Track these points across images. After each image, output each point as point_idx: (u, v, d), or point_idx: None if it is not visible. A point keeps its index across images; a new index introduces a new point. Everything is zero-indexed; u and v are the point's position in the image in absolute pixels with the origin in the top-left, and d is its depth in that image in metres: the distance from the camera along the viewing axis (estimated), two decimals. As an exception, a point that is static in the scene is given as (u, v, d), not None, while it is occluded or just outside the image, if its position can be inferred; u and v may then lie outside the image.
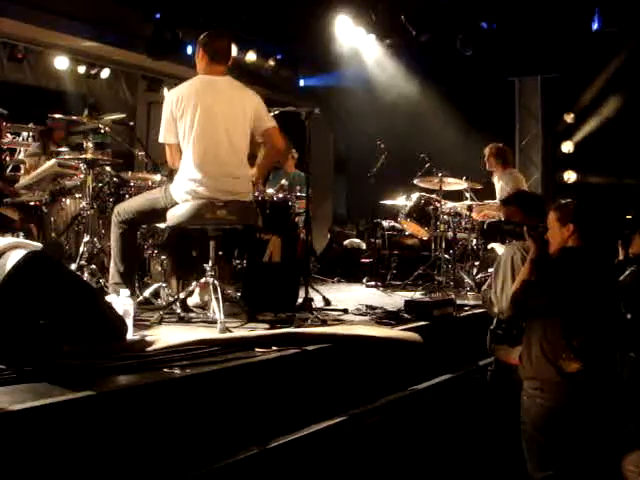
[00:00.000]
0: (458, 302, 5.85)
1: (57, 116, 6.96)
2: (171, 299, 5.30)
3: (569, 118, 12.36)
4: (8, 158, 8.03)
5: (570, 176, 12.47)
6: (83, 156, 5.82)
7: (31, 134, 8.61)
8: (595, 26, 10.14)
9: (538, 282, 3.99)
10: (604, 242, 4.14)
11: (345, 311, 5.78)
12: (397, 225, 8.86)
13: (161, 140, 5.02)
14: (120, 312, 3.96)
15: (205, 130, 4.87)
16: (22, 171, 7.76)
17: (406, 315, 5.44)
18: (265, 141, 5.16)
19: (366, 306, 5.89)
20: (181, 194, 4.88)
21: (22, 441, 2.62)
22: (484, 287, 5.16)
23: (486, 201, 8.58)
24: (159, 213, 5.05)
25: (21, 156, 8.10)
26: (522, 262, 4.64)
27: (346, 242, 10.43)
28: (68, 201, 6.60)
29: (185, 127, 4.88)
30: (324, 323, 5.04)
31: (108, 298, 4.15)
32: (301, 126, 5.86)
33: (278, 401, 3.79)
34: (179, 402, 3.29)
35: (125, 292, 4.25)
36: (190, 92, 4.95)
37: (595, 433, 3.85)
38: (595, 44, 10.59)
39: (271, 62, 11.91)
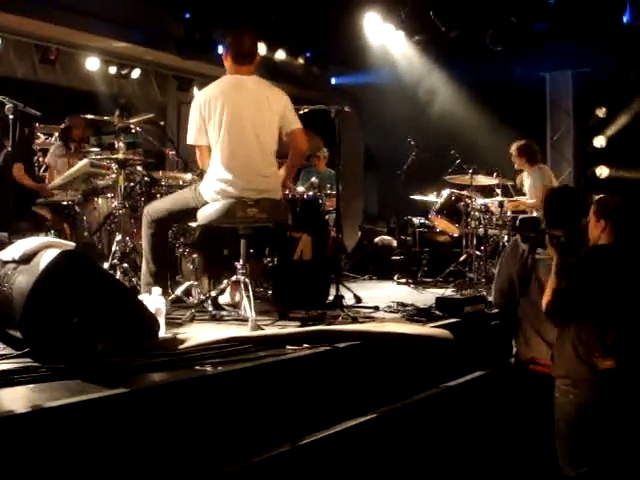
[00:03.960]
0: (489, 299, 5.82)
1: (79, 116, 7.03)
2: (202, 297, 5.32)
3: (601, 112, 12.23)
4: (41, 159, 8.12)
5: (603, 171, 12.33)
6: (115, 156, 5.88)
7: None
8: (626, 19, 10.03)
9: (568, 288, 3.97)
10: (638, 239, 4.08)
11: (376, 308, 5.77)
12: (428, 222, 8.82)
13: (190, 142, 5.05)
14: (152, 310, 3.99)
15: (233, 130, 4.89)
16: (42, 172, 7.82)
17: (437, 312, 5.43)
18: (289, 142, 5.17)
19: (397, 303, 5.87)
20: (211, 193, 4.91)
21: (58, 438, 2.65)
22: None
23: (517, 197, 8.54)
24: (189, 213, 5.08)
25: (47, 158, 8.16)
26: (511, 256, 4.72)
27: (377, 239, 10.40)
28: (100, 201, 6.65)
29: (213, 127, 4.91)
30: (355, 320, 5.04)
31: (140, 298, 4.18)
32: (331, 124, 5.86)
33: (309, 398, 3.80)
34: (212, 399, 3.31)
35: (157, 290, 4.28)
36: (217, 93, 4.98)
37: (628, 430, 3.82)
38: (626, 37, 10.47)
39: (300, 60, 11.92)
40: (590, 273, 3.95)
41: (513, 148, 8.54)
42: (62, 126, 8.10)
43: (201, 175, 5.34)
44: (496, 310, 5.60)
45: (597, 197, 4.18)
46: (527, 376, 4.89)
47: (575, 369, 3.90)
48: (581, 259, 4.03)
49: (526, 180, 8.53)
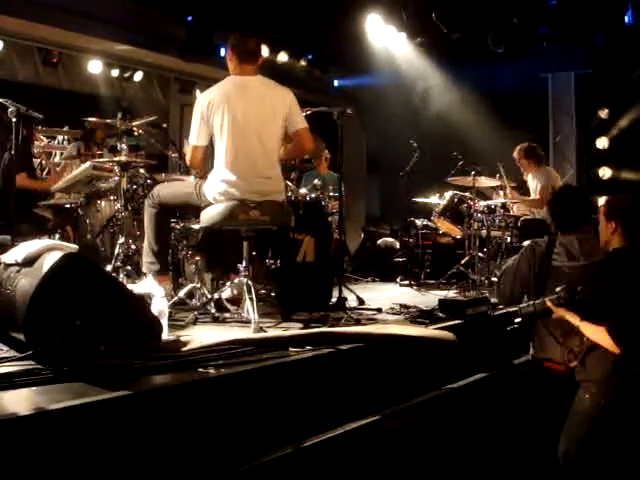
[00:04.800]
0: (492, 300, 5.81)
1: (92, 119, 7.04)
2: (205, 300, 5.33)
3: (603, 114, 12.21)
4: (44, 161, 8.12)
5: (605, 172, 12.31)
6: (117, 158, 5.88)
7: (66, 137, 8.69)
8: (628, 20, 10.03)
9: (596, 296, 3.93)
10: None
11: (379, 310, 5.77)
12: (430, 224, 8.81)
13: (192, 142, 5.05)
14: (155, 313, 4.00)
15: (236, 131, 4.89)
16: (52, 173, 7.81)
17: (440, 314, 5.42)
18: (294, 141, 5.17)
19: (400, 305, 5.87)
20: (214, 194, 4.91)
21: (61, 441, 2.65)
22: None
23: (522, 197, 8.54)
24: (191, 207, 5.19)
25: (57, 159, 8.17)
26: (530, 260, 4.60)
27: (379, 241, 10.39)
28: (103, 203, 6.65)
29: (216, 129, 4.92)
30: (358, 322, 5.05)
31: (142, 283, 4.18)
32: (334, 126, 5.86)
33: (312, 400, 3.80)
34: (214, 402, 3.31)
35: (160, 292, 4.28)
36: (220, 94, 4.98)
37: None
38: (628, 38, 10.47)
39: (303, 63, 11.92)
40: (608, 279, 3.90)
41: (517, 150, 8.54)
42: (83, 130, 8.11)
43: (203, 177, 5.35)
44: (498, 312, 5.60)
45: (607, 198, 4.12)
46: (542, 373, 4.86)
47: (598, 372, 3.89)
48: (600, 265, 3.97)
49: (531, 182, 8.53)
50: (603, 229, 4.04)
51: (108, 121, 6.56)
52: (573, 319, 4.02)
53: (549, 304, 4.12)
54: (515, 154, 8.58)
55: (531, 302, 4.28)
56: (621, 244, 3.95)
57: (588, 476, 3.95)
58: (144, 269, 5.20)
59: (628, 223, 3.93)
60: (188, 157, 5.16)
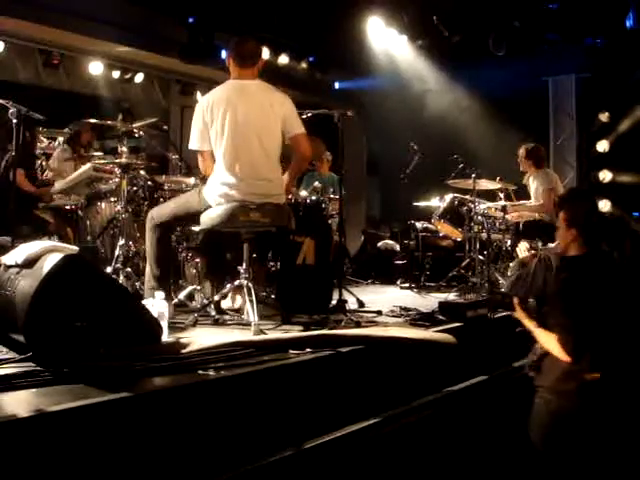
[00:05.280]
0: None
1: (86, 121, 7.04)
2: (205, 302, 5.33)
3: (604, 117, 12.21)
4: (44, 163, 8.12)
5: (605, 175, 12.30)
6: (118, 160, 5.90)
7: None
8: (629, 24, 10.03)
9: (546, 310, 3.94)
10: (610, 247, 4.03)
11: (379, 313, 5.78)
12: (431, 226, 8.80)
13: (193, 147, 5.05)
14: (155, 315, 4.00)
15: (236, 134, 4.90)
16: (48, 175, 7.82)
17: (440, 316, 5.43)
18: (293, 147, 5.17)
19: (400, 308, 5.88)
20: (214, 197, 4.91)
21: (61, 442, 2.65)
22: None
23: (521, 201, 8.54)
24: (193, 216, 5.11)
25: (51, 162, 8.16)
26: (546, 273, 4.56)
27: (380, 244, 10.39)
28: (103, 205, 6.66)
29: (216, 132, 4.92)
30: (358, 325, 5.04)
31: (144, 302, 4.18)
32: (334, 129, 5.87)
33: (312, 403, 3.80)
34: (214, 404, 3.31)
35: (160, 294, 4.28)
36: (220, 97, 4.99)
37: (609, 440, 3.80)
38: (629, 42, 10.47)
39: (303, 65, 11.92)
40: (565, 287, 3.90)
41: (521, 151, 8.54)
42: (67, 130, 8.10)
43: (204, 179, 5.35)
44: (499, 315, 5.60)
45: (568, 202, 4.12)
46: None
47: (558, 378, 3.89)
48: (557, 272, 3.97)
49: (531, 184, 8.52)
50: (562, 236, 4.03)
51: (109, 122, 6.55)
52: (529, 324, 4.05)
53: (515, 301, 4.17)
54: (519, 153, 8.57)
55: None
56: (579, 252, 3.95)
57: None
58: (146, 295, 5.07)
59: (587, 231, 3.93)
60: (201, 165, 5.16)
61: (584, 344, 3.79)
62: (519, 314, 4.12)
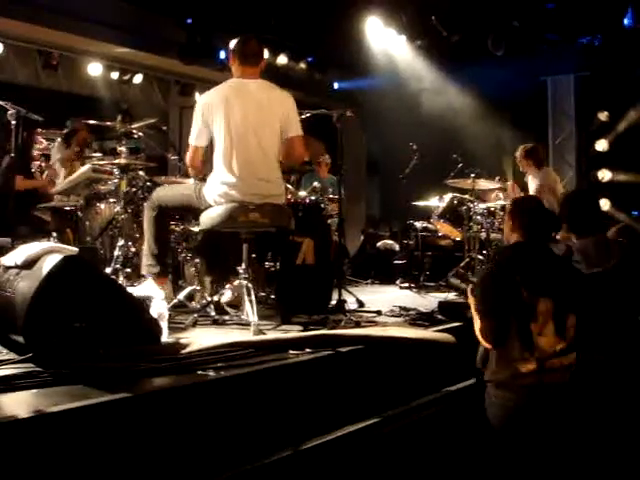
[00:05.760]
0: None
1: (84, 121, 7.04)
2: (205, 302, 5.33)
3: (603, 116, 12.22)
4: (44, 164, 8.12)
5: (605, 175, 12.32)
6: (117, 161, 5.90)
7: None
8: (627, 22, 10.03)
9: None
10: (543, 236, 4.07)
11: (378, 313, 5.78)
12: (430, 226, 8.81)
13: (192, 142, 5.05)
14: (155, 315, 4.00)
15: (235, 134, 4.89)
16: (44, 176, 7.81)
17: (440, 316, 5.43)
18: (287, 147, 5.16)
19: (399, 307, 5.88)
20: (214, 197, 4.91)
21: (60, 443, 2.65)
22: None
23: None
24: (191, 210, 5.19)
25: (51, 162, 8.16)
26: None
27: (379, 244, 10.39)
28: (103, 206, 6.65)
29: (216, 131, 4.93)
30: (357, 325, 5.04)
31: (142, 286, 4.18)
32: (333, 129, 5.86)
33: (312, 403, 3.80)
34: (214, 404, 3.31)
35: (160, 295, 4.28)
36: (220, 96, 4.99)
37: (553, 436, 3.82)
38: (628, 41, 10.48)
39: (302, 65, 11.92)
40: (496, 274, 3.95)
41: (520, 151, 8.54)
42: (65, 130, 8.09)
43: (203, 179, 5.35)
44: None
45: (513, 198, 4.19)
46: None
47: (499, 371, 3.90)
48: (491, 259, 4.03)
49: (531, 183, 8.53)
50: (506, 226, 4.12)
51: (108, 123, 6.55)
52: (473, 312, 4.08)
53: (469, 289, 4.23)
54: (518, 153, 8.58)
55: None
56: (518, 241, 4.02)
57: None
58: (143, 271, 5.20)
59: (525, 223, 3.98)
60: (188, 157, 5.16)
61: (500, 330, 3.85)
62: (469, 299, 4.15)
